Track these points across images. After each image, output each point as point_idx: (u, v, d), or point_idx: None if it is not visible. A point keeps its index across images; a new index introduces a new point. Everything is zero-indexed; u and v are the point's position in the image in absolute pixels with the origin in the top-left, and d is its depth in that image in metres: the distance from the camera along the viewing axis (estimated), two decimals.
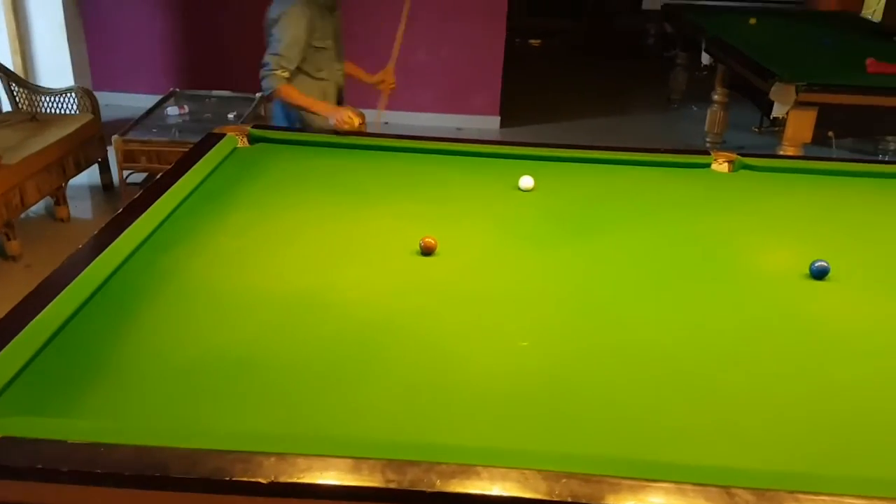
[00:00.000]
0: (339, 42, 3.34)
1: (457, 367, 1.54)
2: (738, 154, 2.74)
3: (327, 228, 2.15)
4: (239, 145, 2.69)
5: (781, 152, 3.87)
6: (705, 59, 5.31)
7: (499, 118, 6.14)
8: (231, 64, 6.05)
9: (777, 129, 4.49)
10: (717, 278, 1.97)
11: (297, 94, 3.10)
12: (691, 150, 3.10)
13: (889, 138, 5.30)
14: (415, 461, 1.19)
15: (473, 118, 6.09)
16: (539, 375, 1.53)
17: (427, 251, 1.97)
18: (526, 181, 2.43)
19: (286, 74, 3.07)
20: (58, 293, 1.63)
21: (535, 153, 2.75)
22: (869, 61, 4.18)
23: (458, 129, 5.96)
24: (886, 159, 5.07)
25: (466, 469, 1.19)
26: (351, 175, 2.55)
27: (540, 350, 1.61)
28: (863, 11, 8.17)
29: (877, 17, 8.06)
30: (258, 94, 4.89)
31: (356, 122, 2.91)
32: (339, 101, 3.42)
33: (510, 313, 1.75)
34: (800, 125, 3.83)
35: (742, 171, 2.67)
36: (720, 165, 2.68)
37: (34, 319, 1.53)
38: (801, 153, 3.84)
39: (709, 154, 2.77)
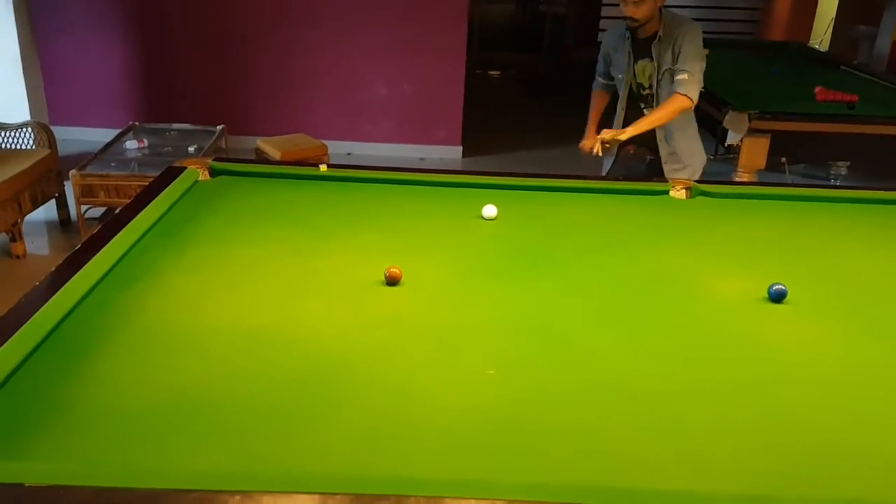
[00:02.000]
0: (634, 85, 3.35)
1: (422, 399, 1.53)
2: (695, 181, 2.80)
3: (290, 262, 2.14)
4: (200, 178, 2.67)
5: (737, 179, 3.95)
6: None
7: (461, 148, 6.20)
8: (190, 97, 6.03)
9: (732, 156, 4.59)
10: (678, 304, 2.00)
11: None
12: (650, 178, 3.15)
13: (839, 163, 5.45)
14: (383, 495, 1.18)
15: (436, 148, 6.14)
16: (505, 406, 1.52)
17: (392, 281, 1.97)
18: (489, 210, 2.45)
19: (598, 78, 3.61)
20: (13, 333, 1.59)
21: (497, 182, 2.78)
22: (818, 89, 4.31)
23: (421, 159, 6.00)
24: (838, 184, 5.21)
25: (436, 501, 1.18)
26: (313, 206, 2.54)
27: (505, 381, 1.61)
28: (810, 41, 8.46)
29: (824, 46, 8.36)
30: (219, 127, 4.88)
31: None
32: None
33: (474, 345, 1.75)
34: (754, 152, 3.92)
35: (699, 198, 2.72)
36: (678, 192, 2.73)
37: None
38: (755, 179, 3.93)
39: (667, 181, 2.82)
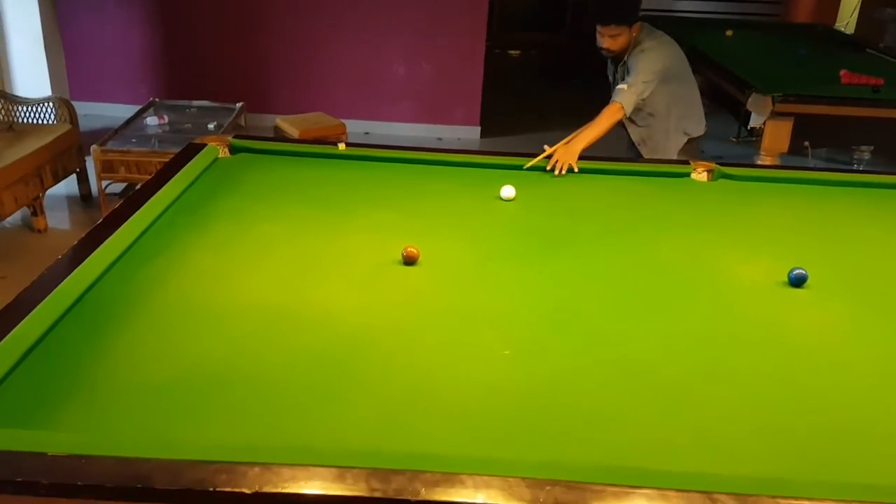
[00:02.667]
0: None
1: (439, 377, 1.54)
2: (717, 164, 2.78)
3: (308, 239, 2.15)
4: (220, 155, 2.68)
5: (759, 162, 3.91)
6: None
7: (479, 128, 6.17)
8: (211, 74, 6.03)
9: (754, 139, 4.54)
10: (696, 287, 1.99)
11: None
12: (671, 160, 3.13)
13: (863, 148, 5.37)
14: (399, 470, 1.19)
15: (454, 128, 6.12)
16: (521, 386, 1.53)
17: (410, 261, 1.97)
18: (507, 191, 2.44)
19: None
20: (35, 306, 1.61)
21: (515, 163, 2.76)
22: (843, 73, 4.24)
23: (439, 139, 5.98)
24: (861, 168, 5.14)
25: (451, 477, 1.19)
26: (332, 185, 2.55)
27: (522, 361, 1.62)
28: (836, 24, 8.31)
29: (850, 29, 8.21)
30: (238, 104, 4.89)
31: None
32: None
33: (491, 324, 1.76)
34: (776, 135, 3.87)
35: (721, 181, 2.70)
36: (699, 175, 2.71)
37: (11, 332, 1.51)
38: (778, 163, 3.88)
39: (688, 164, 2.80)
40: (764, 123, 3.89)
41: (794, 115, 3.84)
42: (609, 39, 3.10)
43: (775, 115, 3.82)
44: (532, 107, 7.23)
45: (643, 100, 3.12)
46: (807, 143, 4.07)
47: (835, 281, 2.03)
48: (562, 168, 2.66)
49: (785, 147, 3.91)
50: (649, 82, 3.06)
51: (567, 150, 2.70)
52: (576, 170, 2.65)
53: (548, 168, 2.65)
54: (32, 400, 1.39)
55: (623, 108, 3.00)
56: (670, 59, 3.19)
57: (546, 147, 2.73)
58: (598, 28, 3.12)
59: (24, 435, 1.26)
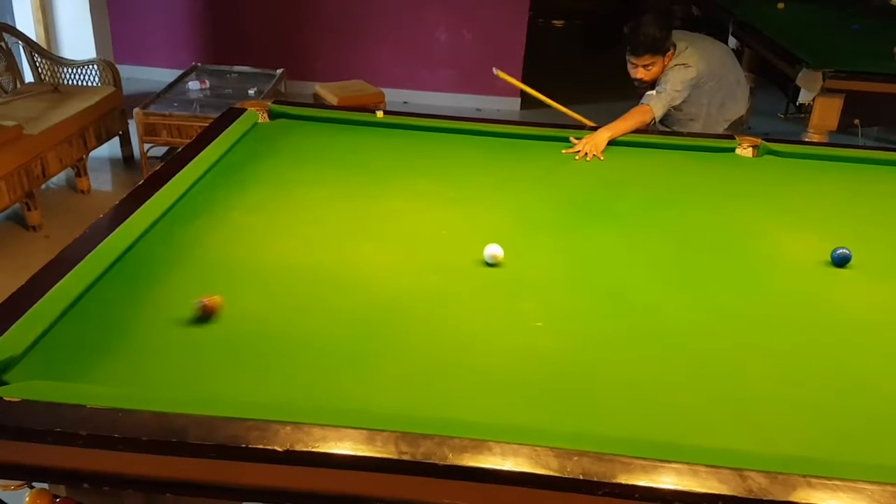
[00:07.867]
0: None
1: (471, 345, 1.54)
2: (763, 139, 2.71)
3: (347, 204, 2.15)
4: (259, 121, 2.70)
5: (807, 139, 3.82)
6: (732, 42, 5.23)
7: (519, 99, 6.10)
8: (252, 40, 6.05)
9: (803, 115, 4.43)
10: (737, 263, 1.96)
11: None
12: (716, 134, 3.06)
13: None
14: (428, 434, 1.20)
15: (493, 99, 6.06)
16: (553, 356, 1.52)
17: (206, 314, 1.56)
18: (492, 250, 1.87)
19: None
20: (77, 263, 1.64)
21: (555, 134, 2.73)
22: None
23: (478, 109, 5.93)
24: None
25: (479, 444, 1.19)
26: (370, 152, 2.55)
27: (555, 331, 1.61)
28: None
29: None
30: (279, 71, 4.90)
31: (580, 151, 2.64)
32: None
33: (525, 294, 1.75)
34: (826, 112, 3.78)
35: (766, 157, 2.64)
36: (745, 150, 2.66)
37: (54, 287, 1.54)
38: (826, 140, 3.79)
39: (733, 138, 2.74)
40: (813, 100, 3.79)
41: (845, 92, 3.74)
42: (643, 70, 3.01)
43: (825, 91, 3.73)
44: (575, 79, 7.11)
45: (677, 108, 3.06)
46: (857, 122, 3.95)
47: (880, 262, 1.98)
48: (586, 155, 2.61)
49: (834, 125, 3.81)
50: (681, 91, 2.98)
51: (593, 141, 2.64)
52: (601, 159, 2.60)
53: (577, 158, 2.60)
54: (73, 354, 1.42)
55: (653, 110, 2.93)
56: (700, 70, 3.04)
57: (573, 139, 2.68)
58: (632, 59, 3.01)
59: (64, 387, 1.29)
